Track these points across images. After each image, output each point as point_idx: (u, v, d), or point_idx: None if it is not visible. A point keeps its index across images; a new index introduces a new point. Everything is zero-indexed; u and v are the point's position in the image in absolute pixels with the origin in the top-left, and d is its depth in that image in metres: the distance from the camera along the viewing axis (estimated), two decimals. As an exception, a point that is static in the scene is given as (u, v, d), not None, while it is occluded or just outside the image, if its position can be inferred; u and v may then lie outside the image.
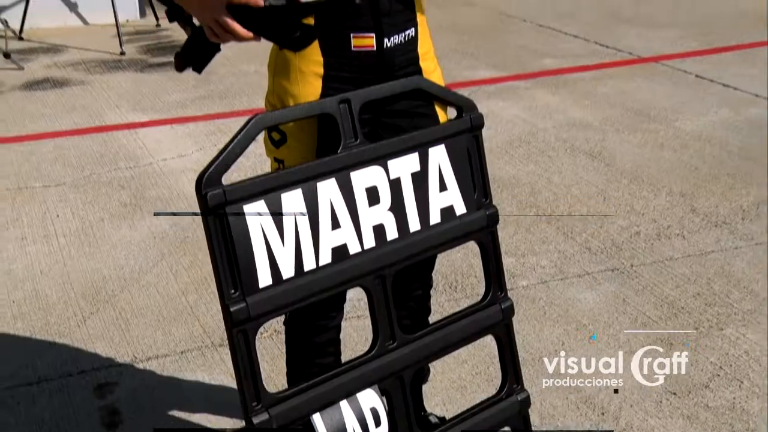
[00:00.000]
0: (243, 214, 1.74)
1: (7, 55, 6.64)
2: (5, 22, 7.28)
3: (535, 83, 6.01)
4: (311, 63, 2.02)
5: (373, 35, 2.02)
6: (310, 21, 1.96)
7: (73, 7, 7.75)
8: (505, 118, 5.34)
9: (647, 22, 7.36)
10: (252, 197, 1.75)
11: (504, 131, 5.13)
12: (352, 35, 2.01)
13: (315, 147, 2.03)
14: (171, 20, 1.93)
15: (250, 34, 1.85)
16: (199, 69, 2.02)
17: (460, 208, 2.04)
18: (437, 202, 2.00)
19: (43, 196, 4.45)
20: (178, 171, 4.72)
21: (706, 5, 7.79)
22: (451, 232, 2.04)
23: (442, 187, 2.01)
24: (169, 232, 4.04)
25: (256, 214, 1.75)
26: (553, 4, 8.08)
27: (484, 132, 2.10)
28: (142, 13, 7.73)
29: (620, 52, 6.63)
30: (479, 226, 2.08)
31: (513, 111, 5.47)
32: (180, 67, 2.03)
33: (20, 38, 7.35)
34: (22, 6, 7.34)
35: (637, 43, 6.79)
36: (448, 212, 2.02)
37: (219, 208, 1.71)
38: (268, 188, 1.77)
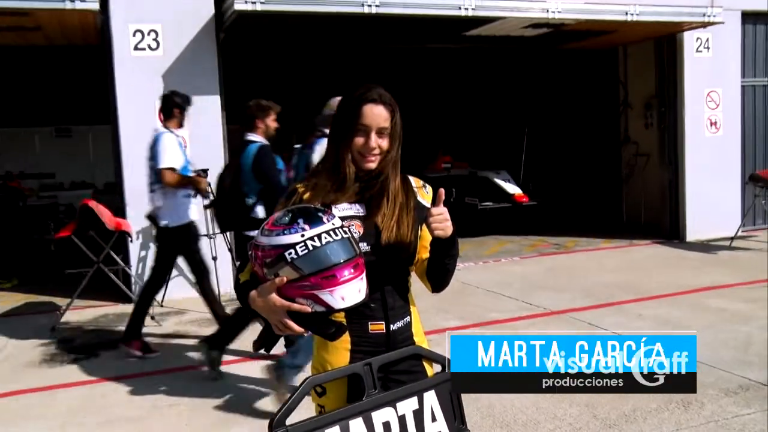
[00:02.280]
0: (300, 446, 1.62)
1: (152, 317, 6.62)
2: (154, 297, 7.32)
3: (487, 329, 5.91)
4: (342, 341, 1.97)
5: (383, 323, 1.99)
6: (342, 315, 1.93)
7: (193, 284, 7.77)
8: (468, 354, 5.19)
9: (555, 289, 7.36)
10: (306, 433, 1.64)
11: (468, 362, 4.97)
12: (369, 323, 1.98)
13: (345, 395, 1.92)
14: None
15: (302, 330, 1.81)
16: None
17: (446, 433, 1.90)
18: (430, 429, 1.87)
19: (161, 414, 4.17)
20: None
21: (589, 279, 7.82)
22: (440, 451, 1.88)
23: (433, 419, 1.88)
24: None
25: (308, 446, 1.63)
26: (496, 278, 8.11)
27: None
28: (238, 287, 7.79)
29: (538, 307, 6.57)
30: (459, 444, 1.93)
31: (473, 348, 5.34)
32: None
33: (161, 305, 7.36)
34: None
35: (549, 302, 6.74)
36: (438, 437, 1.88)
37: (284, 443, 1.59)
38: (316, 427, 1.67)
